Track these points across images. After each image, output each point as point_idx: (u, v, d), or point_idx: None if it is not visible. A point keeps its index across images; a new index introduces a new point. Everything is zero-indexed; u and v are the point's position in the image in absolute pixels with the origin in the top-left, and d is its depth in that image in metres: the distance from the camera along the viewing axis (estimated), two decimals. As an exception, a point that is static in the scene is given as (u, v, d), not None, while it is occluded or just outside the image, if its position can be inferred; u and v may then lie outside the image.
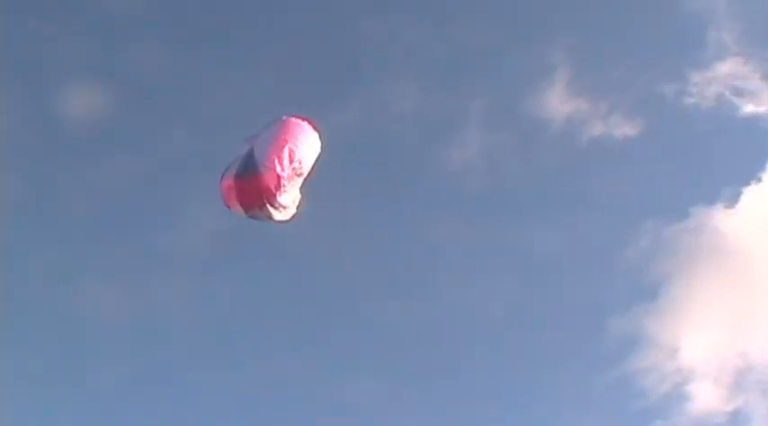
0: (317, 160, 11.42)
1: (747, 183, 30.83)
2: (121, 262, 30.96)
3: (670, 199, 31.77)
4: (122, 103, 31.07)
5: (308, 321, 30.08)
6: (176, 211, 31.70)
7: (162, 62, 31.05)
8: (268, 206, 10.96)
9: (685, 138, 31.75)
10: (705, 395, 29.72)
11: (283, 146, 10.98)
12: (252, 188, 10.86)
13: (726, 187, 31.11)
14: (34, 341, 29.85)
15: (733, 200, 30.87)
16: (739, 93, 30.74)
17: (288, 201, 11.13)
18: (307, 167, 11.27)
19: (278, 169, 10.86)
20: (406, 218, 30.92)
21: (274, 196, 10.88)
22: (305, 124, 11.46)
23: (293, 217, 11.33)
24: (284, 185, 10.92)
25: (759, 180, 30.78)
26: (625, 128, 30.94)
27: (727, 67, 30.82)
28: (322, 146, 11.77)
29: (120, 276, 30.78)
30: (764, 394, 29.74)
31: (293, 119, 11.41)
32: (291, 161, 10.99)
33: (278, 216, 11.11)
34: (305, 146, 11.23)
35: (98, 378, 29.12)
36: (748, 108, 30.62)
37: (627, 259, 31.20)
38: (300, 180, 11.27)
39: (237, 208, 11.18)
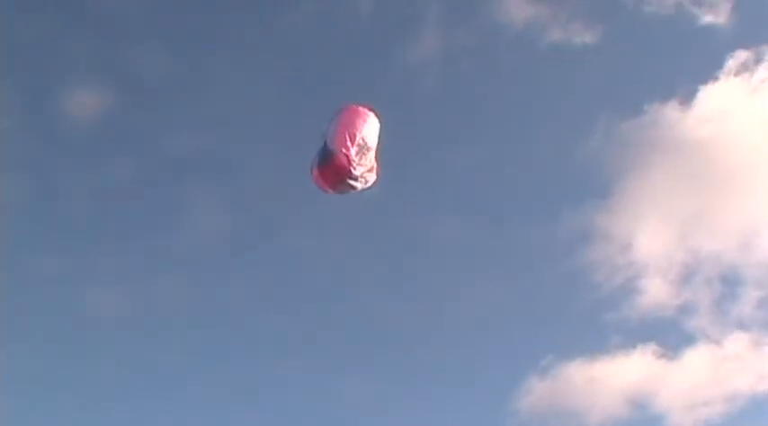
0: (379, 135, 13.30)
1: (704, 82, 30.83)
2: (122, 262, 31.13)
3: (624, 95, 31.90)
4: (122, 103, 31.46)
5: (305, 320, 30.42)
6: (176, 211, 31.98)
7: (162, 62, 31.12)
8: (349, 180, 12.94)
9: (643, 46, 31.56)
10: (655, 289, 30.17)
11: (345, 131, 12.85)
12: (331, 171, 12.93)
13: (681, 85, 31.09)
14: (34, 340, 29.78)
15: (689, 98, 30.78)
16: (698, 2, 30.62)
17: (364, 172, 13.04)
18: (372, 141, 13.09)
19: (344, 150, 12.76)
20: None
21: (349, 172, 12.85)
22: (361, 108, 13.25)
23: (374, 183, 13.25)
24: (353, 161, 12.82)
25: (716, 79, 30.79)
26: (584, 36, 30.84)
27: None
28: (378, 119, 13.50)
29: (120, 276, 30.92)
30: (711, 288, 30.22)
31: (351, 107, 13.27)
32: (353, 141, 12.81)
33: (360, 186, 13.11)
34: (364, 126, 13.03)
35: (98, 378, 29.42)
36: (707, 18, 30.52)
37: (581, 155, 31.40)
38: (371, 153, 13.09)
39: (329, 190, 13.21)
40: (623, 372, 30.04)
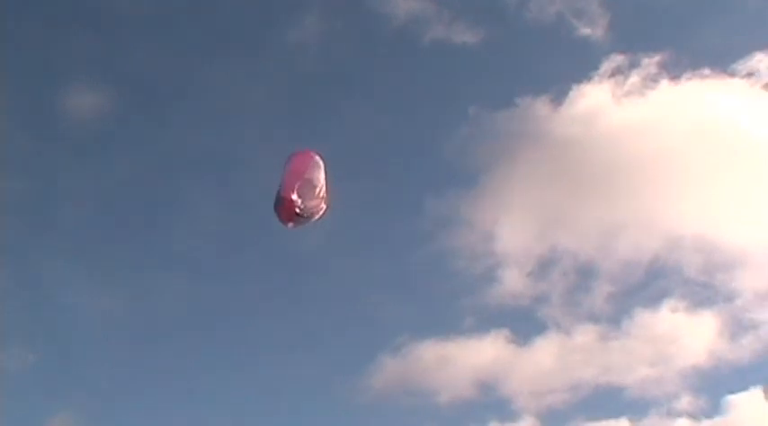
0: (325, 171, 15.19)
1: (578, 81, 32.18)
2: (122, 263, 31.43)
3: (496, 87, 33.19)
4: (122, 103, 31.89)
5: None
6: (177, 212, 32.59)
7: (162, 62, 31.37)
8: (298, 217, 14.80)
9: (521, 48, 33.38)
10: (512, 279, 31.37)
11: (289, 178, 14.78)
12: (282, 212, 14.86)
13: (555, 83, 32.39)
14: (35, 340, 29.72)
15: (561, 96, 32.10)
16: (578, 15, 32.42)
17: (312, 207, 14.90)
18: (317, 180, 14.93)
19: (289, 195, 14.71)
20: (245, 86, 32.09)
21: (295, 212, 14.75)
22: (305, 154, 15.21)
23: (325, 212, 15.15)
24: (296, 203, 14.67)
25: (590, 79, 32.23)
26: (465, 35, 32.21)
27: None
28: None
29: (120, 276, 31.11)
30: (565, 281, 31.62)
31: (298, 154, 15.16)
32: (296, 185, 14.69)
33: (312, 217, 14.96)
34: (308, 169, 14.92)
35: (98, 378, 29.40)
36: (585, 30, 32.28)
37: (450, 144, 32.59)
38: (317, 189, 14.89)
39: (287, 225, 14.98)
40: (475, 355, 30.96)
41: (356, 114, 32.32)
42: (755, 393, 29.66)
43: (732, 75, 31.90)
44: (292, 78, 31.96)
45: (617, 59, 32.08)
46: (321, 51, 32.34)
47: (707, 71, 31.94)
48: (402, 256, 32.22)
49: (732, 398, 29.82)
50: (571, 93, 31.90)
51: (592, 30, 32.04)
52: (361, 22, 32.69)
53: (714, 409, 30.08)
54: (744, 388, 29.82)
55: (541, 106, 31.99)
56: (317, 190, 14.98)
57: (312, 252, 31.25)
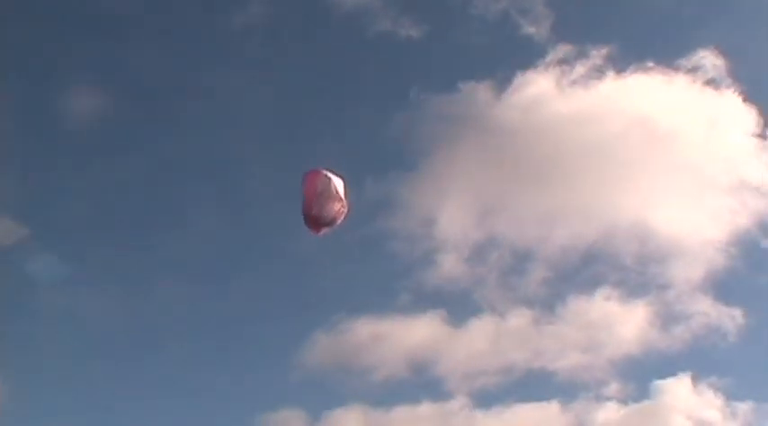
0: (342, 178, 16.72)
1: (523, 69, 32.44)
2: (122, 263, 31.59)
3: (438, 71, 33.38)
4: (122, 104, 32.05)
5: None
6: (176, 212, 32.89)
7: (162, 63, 31.52)
8: (323, 227, 16.55)
9: (465, 40, 33.25)
10: (450, 264, 31.83)
11: (306, 197, 16.39)
12: (310, 225, 16.63)
13: (499, 69, 32.77)
14: (34, 339, 29.92)
15: (504, 83, 32.29)
16: (523, 13, 32.67)
17: (334, 213, 16.47)
18: (330, 192, 16.32)
19: (308, 212, 16.46)
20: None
21: (318, 223, 16.52)
22: (316, 172, 16.55)
23: (346, 214, 16.66)
24: (318, 216, 16.33)
25: (535, 67, 32.56)
26: (411, 29, 32.39)
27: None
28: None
29: (120, 276, 31.41)
30: (502, 266, 32.12)
31: (310, 173, 16.52)
32: (312, 202, 16.27)
33: (337, 221, 16.58)
34: (319, 185, 16.32)
35: (98, 378, 29.68)
36: (530, 29, 32.49)
37: (391, 126, 32.88)
38: (332, 201, 16.31)
39: (317, 234, 16.68)
40: (410, 334, 31.41)
41: (298, 95, 32.73)
42: (683, 379, 30.47)
43: (676, 70, 32.44)
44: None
45: (564, 49, 32.48)
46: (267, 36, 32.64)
47: (651, 65, 32.44)
48: (340, 236, 32.29)
49: (660, 383, 30.58)
50: (515, 80, 32.28)
51: (536, 28, 32.46)
52: (309, 8, 32.98)
53: (642, 393, 30.81)
54: (672, 374, 30.62)
55: (484, 92, 32.27)
56: (334, 199, 16.44)
57: (255, 228, 31.98)
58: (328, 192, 16.33)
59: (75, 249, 31.48)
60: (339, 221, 16.50)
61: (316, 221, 16.42)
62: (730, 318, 30.88)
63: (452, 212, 31.62)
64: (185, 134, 32.89)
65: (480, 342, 31.47)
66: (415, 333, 31.36)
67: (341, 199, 16.41)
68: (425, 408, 30.44)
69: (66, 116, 31.28)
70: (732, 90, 32.19)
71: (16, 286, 29.51)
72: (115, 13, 31.22)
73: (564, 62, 32.29)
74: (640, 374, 30.96)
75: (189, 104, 32.54)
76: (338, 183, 16.42)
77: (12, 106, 29.82)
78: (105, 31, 31.66)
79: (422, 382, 30.74)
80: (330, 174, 16.44)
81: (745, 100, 32.00)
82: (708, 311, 31.05)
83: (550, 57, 32.27)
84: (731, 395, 29.97)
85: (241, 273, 32.24)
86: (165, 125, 33.02)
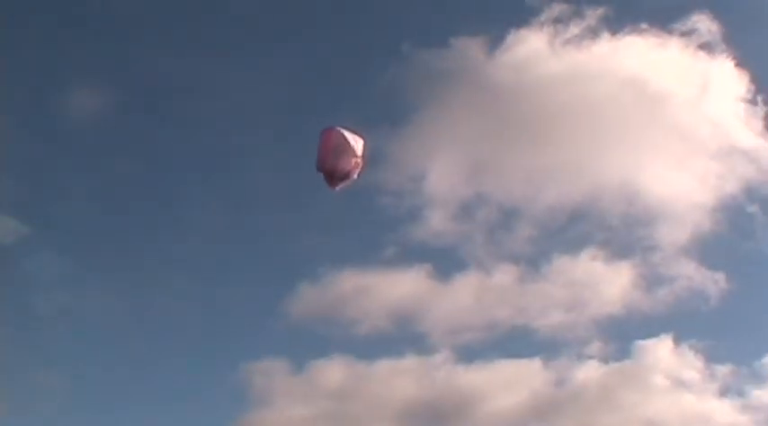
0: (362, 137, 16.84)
1: (517, 26, 32.11)
2: (121, 263, 31.74)
3: (430, 26, 33.11)
4: (122, 103, 32.18)
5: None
6: (176, 212, 32.93)
7: (162, 63, 31.40)
8: (339, 181, 16.64)
9: None
10: (437, 220, 31.90)
11: (320, 153, 16.49)
12: (327, 179, 16.71)
13: (492, 25, 32.16)
14: (34, 339, 30.19)
15: (497, 40, 31.83)
16: None
17: (347, 170, 16.52)
18: (346, 145, 16.44)
19: (323, 167, 16.53)
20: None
21: (334, 179, 16.59)
22: (330, 131, 16.66)
23: (362, 169, 16.77)
24: (331, 167, 16.43)
25: (529, 25, 32.17)
26: None
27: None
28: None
29: (119, 276, 31.42)
30: (489, 223, 32.28)
31: (325, 131, 16.69)
32: (330, 154, 16.43)
33: (351, 177, 16.68)
34: (335, 141, 16.46)
35: (97, 377, 29.84)
36: None
37: (380, 80, 32.76)
38: (346, 155, 16.42)
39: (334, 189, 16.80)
40: (395, 288, 31.62)
41: (289, 47, 32.72)
42: (665, 340, 30.78)
43: (670, 33, 32.29)
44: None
45: (559, 8, 32.24)
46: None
47: (645, 27, 32.23)
48: (327, 189, 32.46)
49: (641, 343, 30.93)
50: (508, 38, 32.04)
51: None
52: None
53: (623, 353, 31.18)
54: (654, 335, 30.92)
55: (476, 48, 31.98)
56: (348, 154, 16.51)
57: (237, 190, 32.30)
58: (342, 147, 16.51)
59: (75, 247, 31.83)
60: (354, 175, 16.67)
61: (330, 175, 16.58)
62: (713, 282, 31.25)
63: (441, 168, 31.67)
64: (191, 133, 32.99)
65: (465, 298, 31.77)
66: (400, 287, 31.64)
67: (356, 154, 16.57)
68: (409, 361, 30.84)
69: (66, 116, 31.50)
70: (725, 55, 32.23)
71: (16, 284, 29.78)
72: (115, 13, 31.34)
73: (558, 21, 32.09)
74: (622, 334, 31.39)
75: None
76: (353, 139, 16.59)
77: (11, 106, 29.91)
78: (105, 31, 31.93)
79: (406, 336, 31.02)
80: (345, 131, 16.68)
81: (737, 65, 32.05)
82: (691, 274, 31.40)
83: (545, 15, 32.07)
84: (711, 358, 30.42)
85: (229, 225, 32.27)
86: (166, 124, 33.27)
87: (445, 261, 31.96)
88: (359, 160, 16.60)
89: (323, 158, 16.49)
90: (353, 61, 32.75)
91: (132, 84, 32.25)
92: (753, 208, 32.02)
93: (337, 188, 16.76)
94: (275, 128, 32.27)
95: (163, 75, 31.86)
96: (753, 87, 31.67)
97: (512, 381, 30.47)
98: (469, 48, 31.92)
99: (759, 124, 31.46)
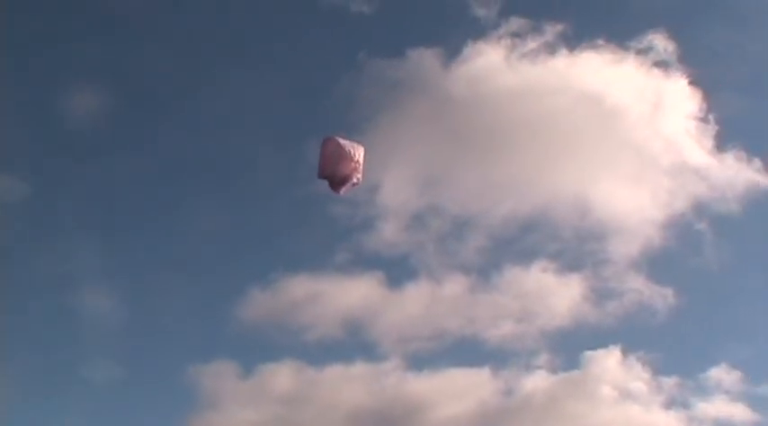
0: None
1: (474, 39, 32.32)
2: (121, 263, 31.77)
3: (386, 36, 33.67)
4: (122, 103, 32.06)
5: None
6: (176, 212, 32.62)
7: (162, 63, 31.26)
8: (341, 187, 17.58)
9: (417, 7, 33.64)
10: (390, 231, 32.14)
11: (322, 163, 17.45)
12: (330, 185, 17.62)
13: (450, 37, 32.68)
14: (34, 339, 30.09)
15: (454, 51, 32.19)
16: None
17: (351, 170, 17.38)
18: (344, 153, 17.36)
19: (323, 175, 17.52)
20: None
21: (336, 185, 17.54)
22: (329, 140, 17.61)
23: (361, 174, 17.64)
24: (330, 173, 17.34)
25: (487, 38, 32.47)
26: (362, 6, 32.20)
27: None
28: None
29: (119, 276, 31.24)
30: (440, 235, 32.61)
31: (325, 140, 17.64)
32: (326, 167, 17.41)
33: (349, 181, 17.59)
34: (332, 149, 17.36)
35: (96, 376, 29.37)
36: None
37: (336, 89, 32.91)
38: (345, 161, 17.31)
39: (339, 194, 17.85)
40: (346, 295, 31.76)
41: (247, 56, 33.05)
42: (613, 351, 31.12)
43: (627, 50, 32.83)
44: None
45: (517, 23, 32.78)
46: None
47: (602, 43, 32.75)
48: (281, 196, 32.80)
49: (589, 354, 31.21)
50: (465, 50, 32.38)
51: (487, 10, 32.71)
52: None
53: (572, 364, 31.48)
54: (602, 346, 31.22)
55: (433, 59, 32.35)
56: (346, 159, 17.40)
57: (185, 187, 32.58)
58: (340, 153, 17.37)
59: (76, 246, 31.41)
60: (354, 179, 17.52)
61: (331, 181, 17.47)
62: (662, 297, 31.60)
63: (395, 179, 31.88)
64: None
65: (416, 307, 31.97)
66: (351, 294, 31.78)
67: (353, 159, 17.41)
68: (358, 368, 30.95)
69: (66, 116, 31.38)
70: (679, 73, 32.78)
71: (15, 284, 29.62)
72: (115, 13, 31.40)
73: (516, 35, 32.59)
74: (571, 345, 31.66)
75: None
76: (350, 146, 17.49)
77: (11, 106, 29.71)
78: (105, 32, 31.90)
79: (356, 342, 31.18)
80: (341, 139, 17.58)
81: (690, 83, 32.64)
82: (640, 289, 31.78)
83: (503, 29, 32.55)
84: (658, 370, 30.74)
85: (180, 228, 32.44)
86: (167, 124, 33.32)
87: (397, 270, 32.27)
88: (357, 165, 17.46)
89: (323, 165, 17.44)
90: (308, 70, 33.01)
91: (132, 85, 32.39)
92: (701, 226, 32.55)
93: (341, 191, 17.73)
94: (227, 137, 32.55)
95: (163, 76, 32.33)
96: (705, 106, 32.34)
97: (460, 390, 30.72)
98: (426, 59, 32.37)
99: (710, 142, 32.28)
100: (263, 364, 30.43)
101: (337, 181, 17.45)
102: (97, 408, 29.69)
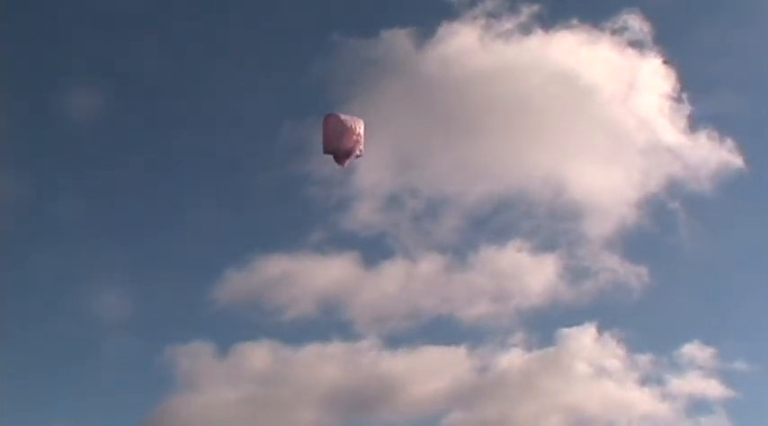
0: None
1: (449, 19, 32.46)
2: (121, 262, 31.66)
3: (359, 16, 34.13)
4: (122, 104, 32.85)
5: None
6: (152, 196, 33.16)
7: (162, 62, 31.85)
8: (344, 160, 18.20)
9: None
10: (365, 211, 32.35)
11: (323, 137, 18.14)
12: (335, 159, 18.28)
13: (425, 17, 32.90)
14: (34, 339, 30.26)
15: (429, 32, 32.28)
16: None
17: (353, 143, 18.06)
18: (344, 128, 18.02)
19: (327, 150, 18.17)
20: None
21: (340, 156, 18.15)
22: (330, 117, 18.26)
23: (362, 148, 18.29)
24: (335, 147, 18.02)
25: (462, 18, 32.59)
26: None
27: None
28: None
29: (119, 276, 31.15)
30: (416, 215, 32.96)
31: (326, 117, 18.29)
32: (329, 141, 18.08)
33: (352, 154, 18.20)
34: (333, 125, 18.09)
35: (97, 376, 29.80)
36: None
37: (310, 71, 33.21)
38: (347, 134, 17.99)
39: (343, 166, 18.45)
40: (322, 274, 31.92)
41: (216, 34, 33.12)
42: (588, 328, 31.40)
43: (602, 30, 33.00)
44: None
45: (492, 3, 32.86)
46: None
47: (577, 23, 32.89)
48: (257, 178, 32.91)
49: (565, 331, 31.48)
50: (440, 30, 32.41)
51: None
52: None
53: (546, 341, 31.72)
54: (578, 324, 31.52)
55: (407, 40, 32.36)
56: (348, 132, 18.06)
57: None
58: (342, 128, 18.01)
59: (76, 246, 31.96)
60: (357, 151, 18.14)
61: (335, 155, 18.08)
62: (636, 275, 31.91)
63: (370, 160, 31.80)
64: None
65: (392, 286, 32.11)
66: (327, 274, 31.91)
67: (354, 132, 18.05)
68: (335, 347, 31.15)
69: (67, 116, 31.60)
70: (654, 53, 33.01)
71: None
72: (115, 14, 31.79)
73: (491, 16, 32.63)
74: (546, 323, 32.04)
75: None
76: (351, 120, 18.15)
77: (11, 106, 30.22)
78: (105, 32, 32.52)
79: (332, 322, 31.32)
80: (343, 115, 18.22)
81: (664, 63, 32.86)
82: (615, 267, 32.04)
83: (478, 9, 32.60)
84: (632, 347, 31.08)
85: (156, 209, 32.50)
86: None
87: (373, 250, 32.43)
88: (359, 137, 18.09)
89: (326, 141, 18.12)
90: (281, 52, 33.03)
91: (132, 85, 33.02)
92: (674, 205, 32.97)
93: (345, 164, 18.34)
94: (201, 121, 32.57)
95: (163, 76, 32.83)
96: (679, 85, 32.60)
97: (436, 368, 30.96)
98: (400, 39, 32.37)
99: (683, 122, 32.57)
100: (239, 344, 30.61)
101: (341, 155, 18.04)
102: (78, 390, 30.21)
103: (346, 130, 17.98)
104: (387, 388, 30.32)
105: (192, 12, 32.77)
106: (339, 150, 17.99)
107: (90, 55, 32.07)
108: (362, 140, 18.07)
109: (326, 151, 18.10)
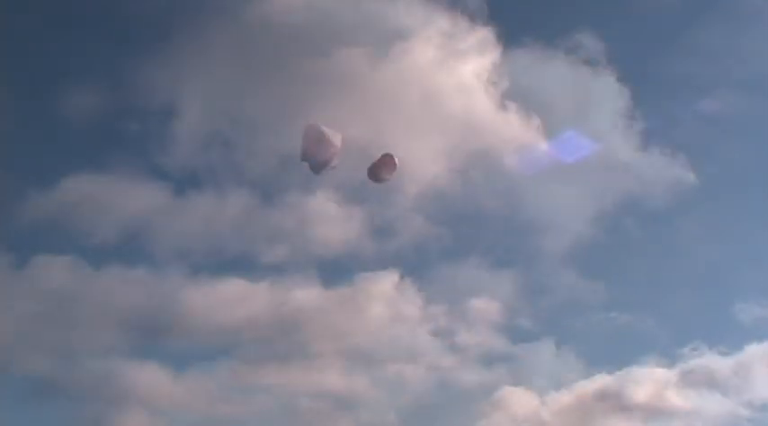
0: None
1: (405, 38, 31.83)
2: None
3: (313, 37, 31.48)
4: (123, 104, 32.12)
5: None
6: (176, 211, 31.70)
7: (162, 62, 30.80)
8: (320, 167, 19.08)
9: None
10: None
11: (306, 145, 18.99)
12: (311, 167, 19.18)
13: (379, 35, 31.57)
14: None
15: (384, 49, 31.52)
16: None
17: (329, 154, 18.96)
18: (322, 139, 18.87)
19: (306, 158, 19.08)
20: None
21: (317, 166, 19.10)
22: (308, 126, 19.09)
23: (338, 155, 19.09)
24: (311, 158, 18.93)
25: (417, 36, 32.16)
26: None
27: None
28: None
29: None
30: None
31: (306, 126, 19.10)
32: (308, 152, 18.90)
33: (333, 163, 19.05)
34: (312, 136, 18.88)
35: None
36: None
37: None
38: (324, 144, 18.82)
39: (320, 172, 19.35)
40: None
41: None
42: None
43: (556, 48, 33.03)
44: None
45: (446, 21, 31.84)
46: None
47: (531, 42, 33.03)
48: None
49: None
50: (394, 48, 31.76)
51: None
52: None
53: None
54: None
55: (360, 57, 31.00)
56: (327, 145, 18.86)
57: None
58: (320, 139, 18.83)
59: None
60: (333, 163, 18.98)
61: (311, 165, 18.96)
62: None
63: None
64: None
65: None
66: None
67: (333, 144, 18.82)
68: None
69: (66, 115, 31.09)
70: (607, 70, 33.10)
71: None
72: (116, 13, 31.17)
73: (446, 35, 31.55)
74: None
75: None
76: (330, 133, 18.84)
77: (11, 106, 29.71)
78: (105, 31, 31.94)
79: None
80: (322, 127, 18.94)
81: (618, 80, 32.99)
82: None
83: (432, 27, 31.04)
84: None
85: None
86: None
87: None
88: (336, 149, 18.88)
89: (305, 150, 18.93)
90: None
91: (132, 86, 31.95)
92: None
93: (320, 173, 19.16)
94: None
95: (163, 76, 31.59)
96: (632, 102, 33.22)
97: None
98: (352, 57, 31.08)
99: (637, 138, 33.52)
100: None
101: (319, 166, 18.86)
102: None
103: (324, 142, 18.71)
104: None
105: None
106: (317, 160, 18.71)
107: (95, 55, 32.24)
108: (338, 153, 18.78)
109: (304, 159, 18.81)
